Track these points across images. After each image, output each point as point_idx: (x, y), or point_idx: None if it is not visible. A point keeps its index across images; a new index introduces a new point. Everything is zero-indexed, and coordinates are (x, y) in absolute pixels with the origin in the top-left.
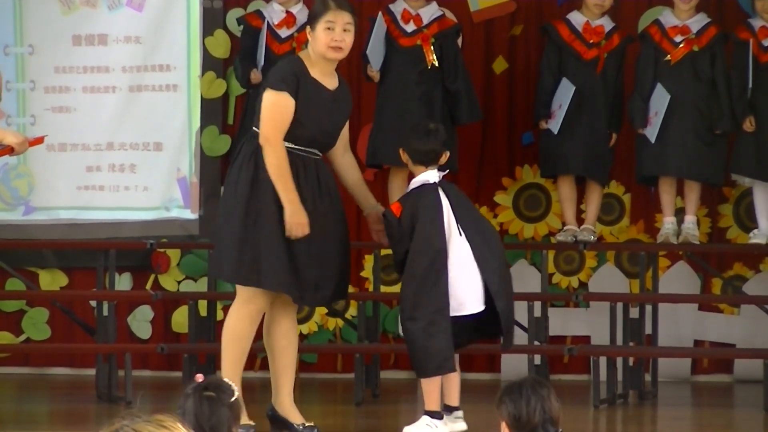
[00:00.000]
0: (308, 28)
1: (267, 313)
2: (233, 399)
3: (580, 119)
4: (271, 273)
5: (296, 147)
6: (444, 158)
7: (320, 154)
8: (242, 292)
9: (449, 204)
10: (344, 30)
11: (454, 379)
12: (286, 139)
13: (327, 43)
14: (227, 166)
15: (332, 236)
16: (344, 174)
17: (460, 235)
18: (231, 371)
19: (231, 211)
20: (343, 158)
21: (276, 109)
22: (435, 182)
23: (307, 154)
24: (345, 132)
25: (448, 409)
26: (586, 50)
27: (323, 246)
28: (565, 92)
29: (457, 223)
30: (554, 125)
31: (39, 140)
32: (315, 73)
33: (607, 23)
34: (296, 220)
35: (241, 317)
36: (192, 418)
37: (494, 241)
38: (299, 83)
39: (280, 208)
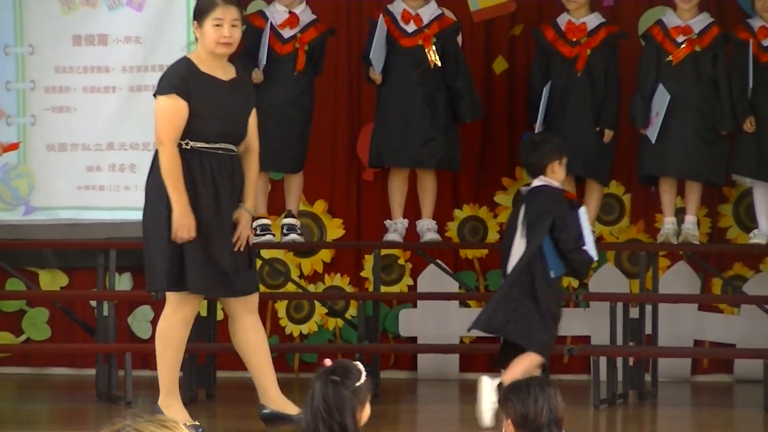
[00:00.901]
0: (194, 23)
1: (229, 317)
2: (358, 384)
3: (564, 119)
4: (197, 276)
5: (209, 146)
6: (552, 168)
7: (235, 150)
8: (172, 297)
9: (524, 211)
10: (232, 26)
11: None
12: (197, 139)
13: (216, 40)
14: None
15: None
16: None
17: (522, 238)
18: (168, 376)
19: (156, 221)
20: (243, 157)
21: (167, 112)
22: (522, 191)
23: (221, 152)
24: (250, 130)
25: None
26: (570, 49)
27: (228, 242)
28: (544, 93)
29: (523, 229)
30: (538, 126)
31: (14, 146)
32: (206, 68)
33: (593, 20)
34: (183, 222)
35: (173, 323)
36: (319, 400)
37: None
38: (188, 82)
39: (198, 212)
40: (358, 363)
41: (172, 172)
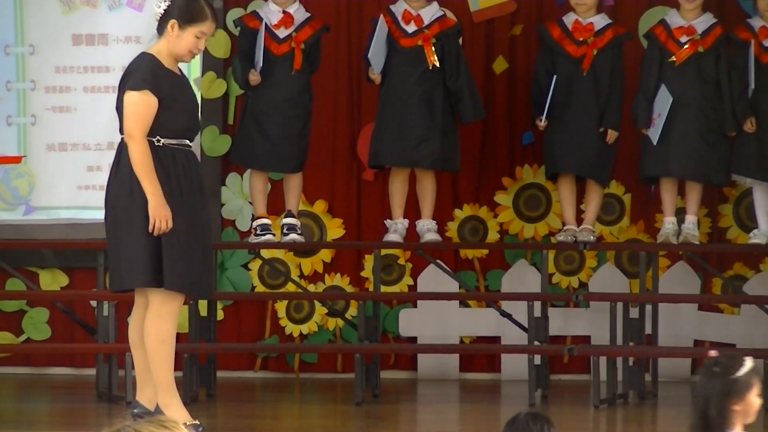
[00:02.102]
0: (174, 22)
1: (139, 309)
2: (735, 375)
3: (568, 117)
4: (178, 274)
5: (178, 142)
6: None
7: (191, 145)
8: (156, 294)
9: None
10: (205, 40)
11: None
12: (168, 135)
13: (191, 50)
14: (227, 165)
15: (204, 230)
16: None
17: None
18: (164, 374)
19: (131, 217)
20: None
21: (140, 107)
22: None
23: (188, 149)
24: None
25: None
26: (576, 48)
27: (203, 241)
28: (552, 85)
29: None
30: (543, 118)
31: (16, 160)
32: (167, 65)
33: (600, 21)
34: (161, 213)
35: (161, 320)
36: (699, 392)
37: None
38: (159, 78)
39: (175, 209)
40: (743, 356)
41: (146, 164)
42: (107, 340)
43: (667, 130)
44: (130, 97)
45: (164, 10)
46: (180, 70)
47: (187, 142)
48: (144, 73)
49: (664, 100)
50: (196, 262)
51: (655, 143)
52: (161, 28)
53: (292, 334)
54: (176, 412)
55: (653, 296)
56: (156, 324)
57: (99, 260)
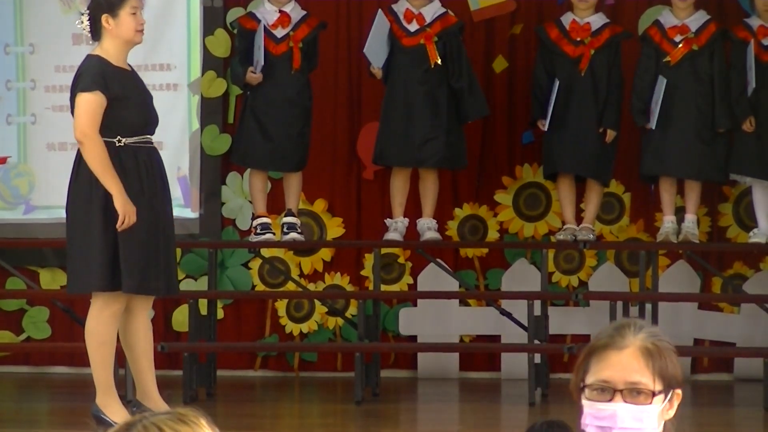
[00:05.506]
0: (106, 17)
1: (126, 309)
2: None
3: (567, 117)
4: (132, 275)
5: (138, 139)
6: None
7: (152, 140)
8: (99, 296)
9: None
10: (141, 12)
11: None
12: (127, 133)
13: (135, 28)
14: (227, 164)
15: (169, 227)
16: None
17: None
18: (104, 374)
19: (90, 221)
20: None
21: (90, 107)
22: None
23: (149, 145)
24: None
25: None
26: (573, 49)
27: (167, 237)
28: (554, 90)
29: None
30: (546, 123)
31: (1, 160)
32: (115, 62)
33: (597, 20)
34: (129, 209)
35: (102, 321)
36: None
37: None
38: (108, 78)
39: (138, 211)
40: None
41: (104, 161)
42: None
43: (665, 129)
44: (82, 97)
45: (89, 19)
46: (129, 65)
47: (149, 137)
48: (93, 75)
49: (658, 87)
50: (156, 261)
51: (653, 127)
52: (96, 33)
53: (292, 332)
54: (115, 412)
55: (653, 295)
56: (96, 326)
57: None
